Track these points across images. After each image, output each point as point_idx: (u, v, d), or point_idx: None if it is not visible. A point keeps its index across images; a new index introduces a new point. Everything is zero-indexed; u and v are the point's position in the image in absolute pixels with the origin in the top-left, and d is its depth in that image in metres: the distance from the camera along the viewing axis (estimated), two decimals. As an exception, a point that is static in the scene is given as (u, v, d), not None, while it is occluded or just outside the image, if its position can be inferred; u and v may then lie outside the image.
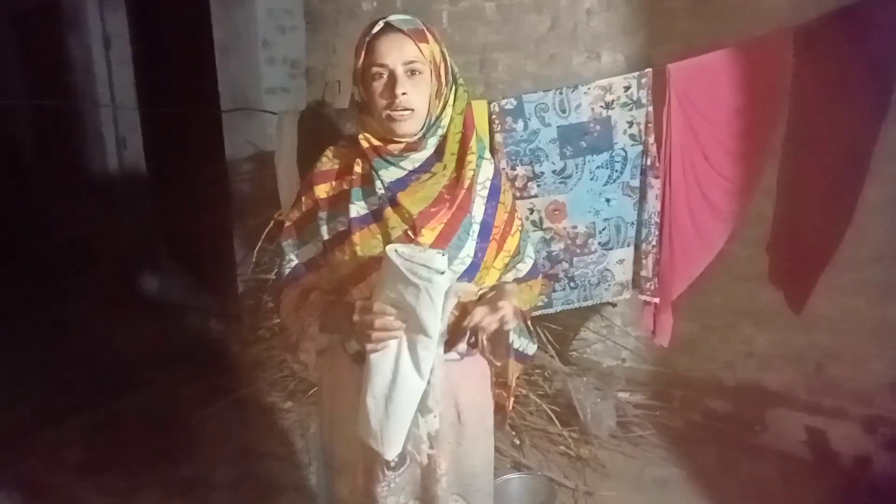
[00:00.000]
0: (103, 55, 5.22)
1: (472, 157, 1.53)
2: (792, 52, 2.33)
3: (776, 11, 2.80)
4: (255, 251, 3.79)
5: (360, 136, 1.53)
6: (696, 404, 3.37)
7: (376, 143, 1.52)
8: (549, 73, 3.51)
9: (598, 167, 2.53)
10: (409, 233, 1.48)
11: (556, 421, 3.14)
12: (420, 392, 1.45)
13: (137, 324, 4.68)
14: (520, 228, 1.67)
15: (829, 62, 2.28)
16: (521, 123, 2.50)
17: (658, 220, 2.57)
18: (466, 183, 1.51)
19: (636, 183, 2.56)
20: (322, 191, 1.58)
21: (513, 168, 2.51)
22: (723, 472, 2.99)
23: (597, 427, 3.16)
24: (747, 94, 2.42)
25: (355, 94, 1.55)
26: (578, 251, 2.61)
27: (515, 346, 1.65)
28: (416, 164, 1.52)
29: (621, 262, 2.65)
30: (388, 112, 1.47)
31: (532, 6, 3.52)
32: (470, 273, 1.52)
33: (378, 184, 1.50)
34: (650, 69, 2.49)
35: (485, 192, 1.58)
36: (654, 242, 2.59)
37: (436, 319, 1.37)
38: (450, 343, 1.49)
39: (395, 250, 1.35)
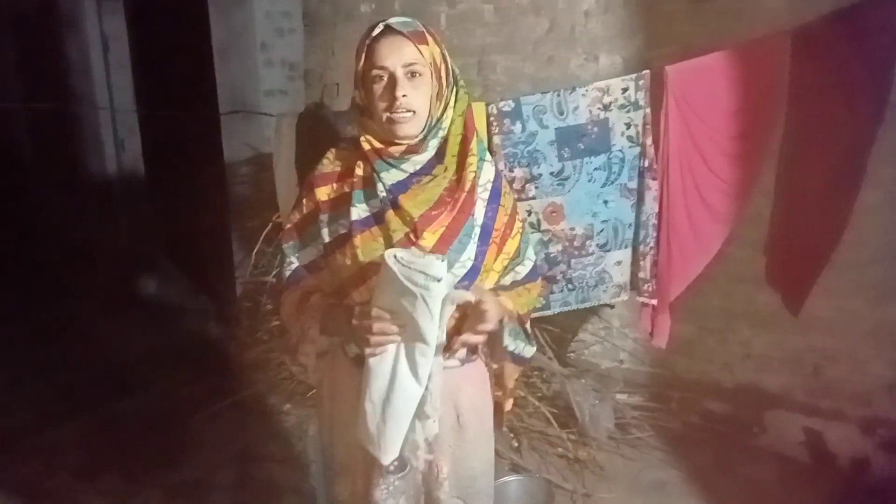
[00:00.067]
0: (101, 58, 5.21)
1: (472, 160, 1.53)
2: (789, 55, 2.34)
3: (774, 14, 2.81)
4: (254, 253, 3.79)
5: (362, 139, 1.53)
6: (694, 406, 3.37)
7: (378, 145, 1.52)
8: (547, 75, 3.51)
9: (595, 169, 2.53)
10: (411, 236, 1.48)
11: (555, 423, 3.14)
12: (417, 398, 1.45)
13: (136, 326, 4.68)
14: (520, 231, 1.67)
15: (826, 64, 2.28)
16: (518, 125, 2.50)
17: (656, 222, 2.57)
18: (467, 185, 1.52)
19: (634, 185, 2.57)
20: (323, 193, 1.58)
21: (511, 170, 2.51)
22: (721, 474, 2.99)
23: (595, 429, 3.16)
24: (745, 96, 2.43)
25: (356, 96, 1.55)
26: (576, 253, 2.61)
27: (511, 348, 1.65)
28: (417, 167, 1.52)
29: (619, 263, 2.65)
30: (389, 114, 1.47)
31: (530, 8, 3.52)
32: (470, 276, 1.52)
33: (379, 186, 1.50)
34: (648, 71, 2.50)
35: (485, 195, 1.58)
36: (651, 244, 2.59)
37: (433, 327, 1.37)
38: (447, 349, 1.49)
39: (394, 256, 1.35)
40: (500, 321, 1.59)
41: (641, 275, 2.63)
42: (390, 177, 1.51)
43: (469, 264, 1.51)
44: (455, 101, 1.53)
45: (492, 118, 2.49)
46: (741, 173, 2.52)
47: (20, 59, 5.76)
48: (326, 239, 1.56)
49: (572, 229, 2.59)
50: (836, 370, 3.02)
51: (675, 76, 2.42)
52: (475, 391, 1.69)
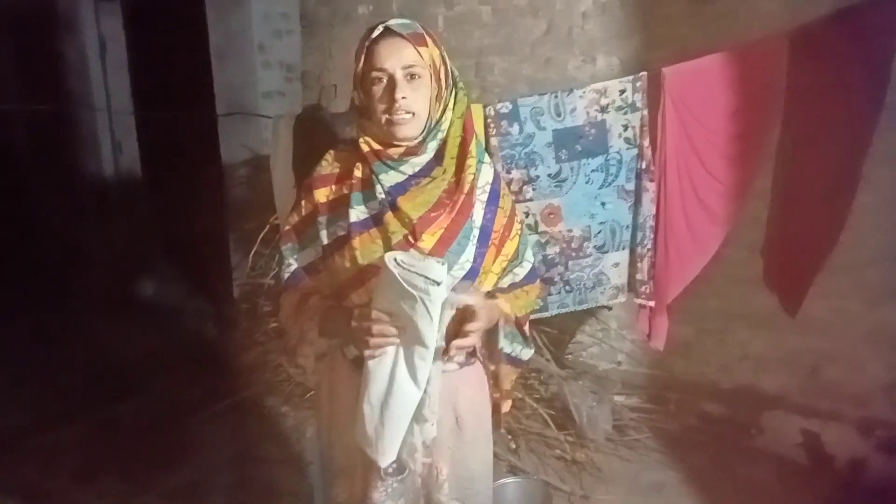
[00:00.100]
0: (99, 59, 5.20)
1: (471, 162, 1.53)
2: (786, 56, 2.34)
3: (771, 16, 2.82)
4: (251, 255, 3.79)
5: (361, 140, 1.53)
6: (691, 407, 3.37)
7: (376, 146, 1.52)
8: (545, 76, 3.52)
9: (593, 171, 2.54)
10: (410, 237, 1.48)
11: (552, 425, 3.14)
12: (416, 401, 1.45)
13: (134, 328, 4.67)
14: (519, 232, 1.67)
15: (823, 66, 2.28)
16: (516, 127, 2.50)
17: (653, 224, 2.57)
18: (466, 187, 1.52)
19: (631, 186, 2.57)
20: (322, 195, 1.57)
21: (508, 172, 2.51)
22: (719, 476, 2.99)
23: (593, 431, 3.16)
24: (742, 97, 2.43)
25: (355, 97, 1.55)
26: (574, 255, 2.61)
27: (507, 350, 1.65)
28: (416, 169, 1.52)
29: (616, 265, 2.65)
30: (388, 116, 1.47)
31: (528, 10, 3.53)
32: (469, 278, 1.52)
33: (378, 188, 1.50)
34: (645, 73, 2.50)
35: (484, 197, 1.58)
36: (649, 246, 2.59)
37: (432, 330, 1.37)
38: (444, 353, 1.49)
39: (394, 259, 1.35)
40: (496, 323, 1.60)
41: (639, 276, 2.63)
42: (389, 178, 1.51)
43: (468, 266, 1.51)
44: (454, 103, 1.53)
45: (489, 120, 2.50)
46: (738, 175, 2.52)
47: (17, 61, 5.75)
48: (325, 241, 1.56)
49: (570, 231, 2.59)
50: (834, 371, 3.03)
51: (672, 78, 2.42)
52: (474, 393, 1.69)
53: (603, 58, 3.37)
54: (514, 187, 2.52)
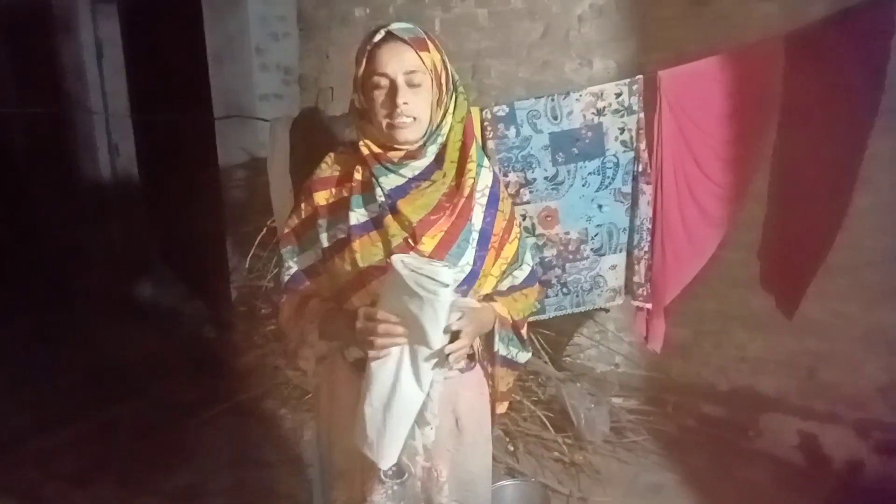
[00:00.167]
0: (96, 62, 5.20)
1: (471, 166, 1.53)
2: (782, 59, 2.34)
3: (767, 19, 2.83)
4: (249, 258, 3.79)
5: (361, 143, 1.52)
6: (689, 409, 3.37)
7: (376, 150, 1.51)
8: (542, 79, 3.52)
9: (589, 173, 2.54)
10: (409, 241, 1.48)
11: (550, 427, 3.15)
12: (419, 404, 1.45)
13: (131, 330, 4.67)
14: (518, 236, 1.67)
15: (819, 69, 2.29)
16: (513, 130, 2.51)
17: (650, 226, 2.58)
18: (466, 191, 1.52)
19: (628, 189, 2.57)
20: (321, 198, 1.57)
21: (505, 174, 2.51)
22: (716, 477, 2.99)
23: (591, 433, 3.16)
24: (738, 100, 2.43)
25: (355, 100, 1.55)
26: (571, 257, 2.62)
27: (503, 353, 1.65)
28: (416, 172, 1.52)
29: (614, 267, 2.65)
30: (389, 121, 1.47)
31: (524, 13, 3.53)
32: (469, 281, 1.52)
33: (378, 191, 1.50)
34: (641, 76, 2.51)
35: (484, 200, 1.58)
36: (646, 248, 2.60)
37: (438, 332, 1.37)
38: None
39: (402, 261, 1.35)
40: (493, 326, 1.60)
41: (636, 279, 2.64)
42: (389, 182, 1.51)
43: (468, 269, 1.51)
44: (454, 108, 1.53)
45: (486, 123, 2.50)
46: (735, 177, 2.53)
47: (14, 63, 5.75)
48: (325, 244, 1.56)
49: (567, 233, 2.59)
50: (831, 373, 3.03)
51: (668, 81, 2.43)
52: (473, 396, 1.69)
53: (599, 61, 3.38)
54: (511, 190, 2.52)
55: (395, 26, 1.47)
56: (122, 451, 3.33)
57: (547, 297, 2.64)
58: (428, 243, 1.47)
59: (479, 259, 1.54)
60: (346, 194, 1.55)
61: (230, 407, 3.57)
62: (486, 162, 1.62)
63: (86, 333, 4.69)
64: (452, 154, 1.53)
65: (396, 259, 1.36)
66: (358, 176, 1.54)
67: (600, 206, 2.57)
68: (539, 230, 2.58)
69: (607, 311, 3.33)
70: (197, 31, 4.33)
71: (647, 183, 2.54)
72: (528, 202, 2.55)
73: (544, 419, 3.17)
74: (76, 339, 4.62)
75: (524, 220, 2.55)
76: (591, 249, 2.61)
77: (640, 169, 2.54)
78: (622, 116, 2.51)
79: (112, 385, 3.94)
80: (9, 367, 4.15)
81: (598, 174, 2.54)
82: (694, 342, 3.33)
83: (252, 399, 3.67)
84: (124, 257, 5.39)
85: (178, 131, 4.66)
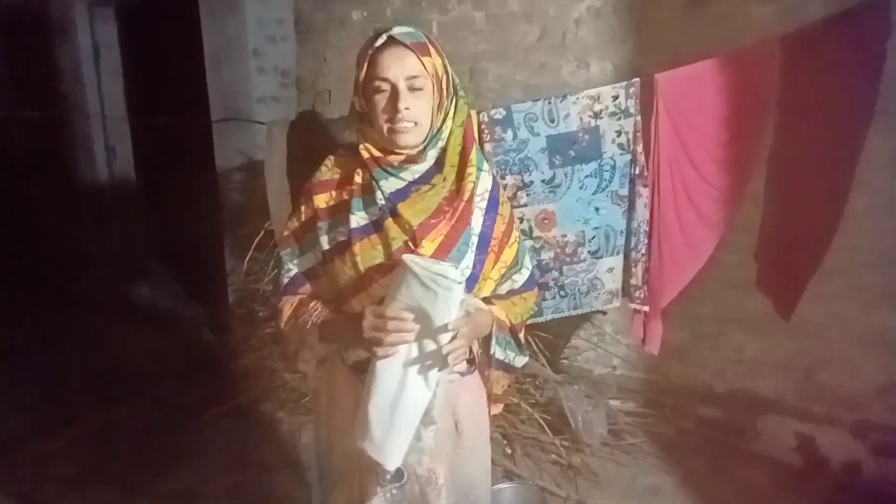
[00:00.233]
0: (93, 65, 5.20)
1: (471, 170, 1.53)
2: (778, 62, 2.35)
3: (763, 21, 2.83)
4: (246, 260, 3.79)
5: (361, 147, 1.53)
6: (687, 411, 3.38)
7: (377, 153, 1.52)
8: (539, 82, 3.53)
9: (586, 176, 2.54)
10: (410, 244, 1.48)
11: (548, 429, 3.14)
12: (426, 402, 1.45)
13: (128, 334, 4.66)
14: (517, 240, 1.67)
15: (814, 71, 2.30)
16: (510, 133, 2.51)
17: (647, 229, 2.58)
18: (466, 195, 1.52)
19: (625, 192, 2.57)
20: (321, 200, 1.57)
21: (502, 177, 2.51)
22: (714, 479, 3.00)
23: (588, 435, 3.16)
24: (734, 102, 2.44)
25: (356, 103, 1.55)
26: (568, 260, 2.62)
27: (499, 357, 1.65)
28: (416, 176, 1.52)
29: (611, 270, 2.66)
30: (390, 125, 1.47)
31: (521, 16, 3.54)
32: (469, 285, 1.52)
33: (378, 194, 1.50)
34: (638, 79, 2.51)
35: (483, 204, 1.58)
36: (643, 251, 2.60)
37: (446, 329, 1.39)
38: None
39: (413, 259, 1.37)
40: (491, 329, 1.60)
41: (633, 281, 2.64)
42: (389, 185, 1.51)
43: (467, 272, 1.51)
44: (454, 112, 1.54)
45: (483, 126, 2.50)
46: (731, 179, 2.53)
47: (11, 67, 5.74)
48: (325, 246, 1.56)
49: (564, 236, 2.59)
50: (828, 375, 3.04)
51: (665, 83, 2.43)
52: (473, 400, 1.69)
53: (596, 63, 3.38)
54: (509, 193, 2.52)
55: (396, 31, 1.47)
56: (119, 453, 3.32)
57: (544, 299, 2.64)
58: (428, 247, 1.47)
59: (478, 262, 1.54)
60: (346, 197, 1.55)
61: (228, 410, 3.56)
62: (486, 166, 1.63)
63: (83, 336, 4.67)
64: (453, 158, 1.53)
65: (408, 257, 1.38)
66: (358, 179, 1.54)
67: (597, 209, 2.58)
68: (536, 233, 2.59)
69: (605, 313, 3.33)
70: (194, 34, 4.33)
71: (644, 185, 2.54)
72: (525, 205, 2.55)
73: (542, 422, 3.16)
74: (73, 341, 4.61)
75: (521, 222, 2.55)
76: (589, 252, 2.61)
77: (637, 171, 2.54)
78: (619, 119, 2.51)
79: (109, 387, 3.93)
80: (6, 370, 4.14)
81: (595, 177, 2.55)
82: (691, 344, 3.33)
83: (250, 402, 3.66)
84: (122, 260, 5.38)
85: (175, 134, 4.66)
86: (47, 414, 3.66)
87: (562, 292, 2.65)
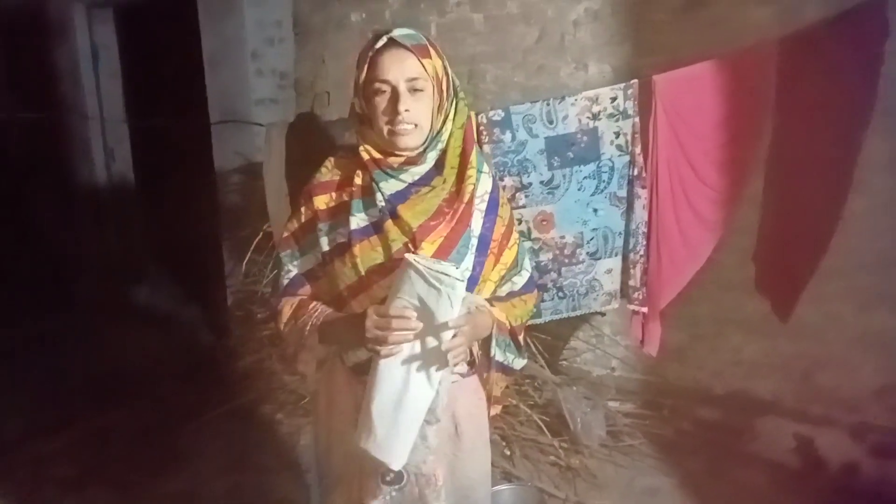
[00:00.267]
0: (91, 67, 5.20)
1: (471, 172, 1.54)
2: (776, 63, 2.35)
3: (760, 23, 2.84)
4: (245, 262, 3.79)
5: (361, 148, 1.53)
6: (685, 413, 3.38)
7: (377, 155, 1.52)
8: (537, 83, 3.53)
9: (585, 178, 2.54)
10: (409, 245, 1.48)
11: (547, 431, 3.14)
12: (429, 401, 1.45)
13: (127, 335, 4.66)
14: (517, 241, 1.68)
15: (812, 73, 2.30)
16: (508, 134, 2.51)
17: (645, 230, 2.58)
18: (466, 197, 1.52)
19: (623, 193, 2.57)
20: (321, 202, 1.58)
21: (501, 179, 2.51)
22: (713, 481, 3.00)
23: (587, 437, 3.16)
24: (732, 104, 2.44)
25: (356, 105, 1.55)
26: (566, 261, 2.62)
27: (499, 358, 1.65)
28: (416, 178, 1.52)
29: (609, 271, 2.66)
30: (390, 127, 1.47)
31: (520, 17, 3.54)
32: (469, 287, 1.52)
33: (378, 196, 1.50)
34: (636, 80, 2.51)
35: (483, 206, 1.58)
36: (641, 252, 2.60)
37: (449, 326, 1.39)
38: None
39: (414, 258, 1.37)
40: (491, 331, 1.60)
41: (632, 283, 2.64)
42: (389, 187, 1.51)
43: (467, 274, 1.51)
44: (454, 114, 1.54)
45: (482, 127, 2.50)
46: (730, 181, 2.53)
47: (9, 69, 5.74)
48: (325, 247, 1.56)
49: (562, 238, 2.59)
50: (826, 376, 3.04)
51: (663, 85, 2.43)
52: (472, 402, 1.69)
53: (594, 65, 3.39)
54: (507, 194, 2.52)
55: (397, 33, 1.47)
56: (118, 455, 3.32)
57: (543, 300, 2.64)
58: (427, 248, 1.47)
59: (478, 265, 1.55)
60: (346, 199, 1.55)
61: (227, 411, 3.56)
62: (486, 168, 1.63)
63: (81, 337, 4.67)
64: (453, 160, 1.54)
65: (410, 256, 1.38)
66: (358, 181, 1.54)
67: (596, 210, 2.58)
68: (535, 234, 2.59)
69: (603, 314, 3.33)
70: (193, 36, 4.33)
71: (643, 187, 2.54)
72: (523, 206, 2.56)
73: (541, 423, 3.16)
74: (72, 343, 4.60)
75: (519, 224, 2.55)
76: (587, 253, 2.62)
77: (636, 173, 2.54)
78: (617, 120, 2.51)
79: (108, 389, 3.92)
80: (4, 371, 4.13)
81: (594, 178, 2.55)
82: (690, 346, 3.34)
83: (249, 403, 3.66)
84: (120, 262, 5.37)
85: (173, 136, 4.66)
86: (46, 415, 3.65)
87: (560, 294, 2.65)
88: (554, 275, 2.63)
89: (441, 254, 1.48)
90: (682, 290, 2.65)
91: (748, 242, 2.71)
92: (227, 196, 4.33)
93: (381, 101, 1.47)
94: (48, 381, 4.07)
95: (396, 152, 1.51)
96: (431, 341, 1.41)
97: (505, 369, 1.69)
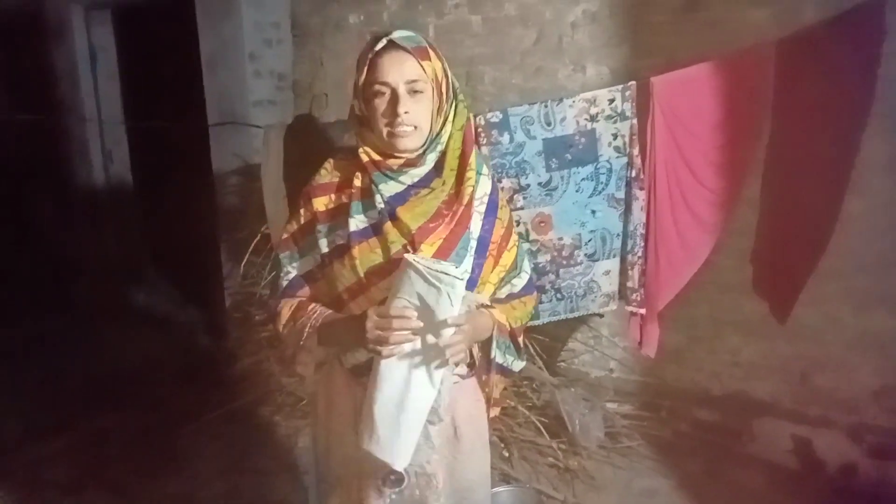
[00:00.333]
0: (89, 68, 5.20)
1: (471, 174, 1.54)
2: (774, 65, 2.35)
3: (759, 24, 2.84)
4: (243, 264, 3.79)
5: (360, 150, 1.53)
6: (683, 414, 3.38)
7: (376, 157, 1.52)
8: (535, 85, 3.53)
9: (583, 179, 2.54)
10: (408, 247, 1.48)
11: (545, 432, 3.14)
12: (432, 400, 1.46)
13: (124, 338, 4.66)
14: (517, 243, 1.68)
15: (810, 74, 2.30)
16: (506, 136, 2.51)
17: (643, 232, 2.58)
18: (465, 199, 1.52)
19: (621, 195, 2.57)
20: (321, 203, 1.58)
21: (499, 181, 2.51)
22: (711, 482, 3.00)
23: (585, 438, 3.16)
24: (730, 106, 2.44)
25: (355, 107, 1.55)
26: (565, 263, 2.62)
27: (499, 360, 1.65)
28: (415, 179, 1.53)
29: (607, 273, 2.66)
30: (390, 129, 1.47)
31: (517, 19, 3.54)
32: (468, 288, 1.52)
33: (378, 198, 1.50)
34: (634, 82, 2.51)
35: (482, 208, 1.58)
36: (639, 253, 2.60)
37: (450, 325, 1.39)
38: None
39: (414, 258, 1.38)
40: (491, 333, 1.60)
41: (630, 284, 2.64)
42: (388, 189, 1.51)
43: (466, 276, 1.51)
44: (454, 116, 1.54)
45: (480, 129, 2.50)
46: (727, 183, 2.53)
47: (7, 70, 5.74)
48: (324, 249, 1.56)
49: (560, 239, 2.59)
50: (824, 378, 3.04)
51: (661, 87, 2.43)
52: (471, 404, 1.70)
53: (592, 67, 3.39)
54: (505, 196, 2.52)
55: (396, 35, 1.47)
56: (115, 457, 3.31)
57: (541, 302, 2.64)
58: (427, 250, 1.47)
59: (477, 266, 1.55)
60: (345, 200, 1.55)
61: (224, 413, 3.56)
62: (485, 170, 1.63)
63: (79, 340, 4.67)
64: (452, 162, 1.54)
65: (410, 256, 1.39)
66: (357, 182, 1.54)
67: (594, 212, 2.58)
68: (533, 236, 2.58)
69: (601, 316, 3.34)
70: (191, 38, 4.33)
71: (641, 188, 2.54)
72: (521, 208, 2.55)
73: (539, 425, 3.16)
74: (69, 345, 4.60)
75: (518, 225, 2.55)
76: (585, 255, 2.62)
77: (634, 174, 2.54)
78: (615, 122, 2.51)
79: (105, 391, 3.92)
80: (1, 373, 4.12)
81: (592, 180, 2.55)
82: (687, 347, 3.34)
83: (247, 406, 3.65)
84: (118, 263, 5.37)
85: (171, 138, 4.66)
86: (43, 418, 3.65)
87: (558, 295, 2.65)
88: (552, 276, 2.63)
89: (440, 256, 1.48)
90: (680, 292, 2.65)
91: (746, 244, 2.71)
92: (225, 198, 4.32)
93: (381, 103, 1.47)
94: (45, 384, 4.07)
95: (396, 154, 1.51)
96: (432, 340, 1.41)
97: (504, 371, 1.69)
